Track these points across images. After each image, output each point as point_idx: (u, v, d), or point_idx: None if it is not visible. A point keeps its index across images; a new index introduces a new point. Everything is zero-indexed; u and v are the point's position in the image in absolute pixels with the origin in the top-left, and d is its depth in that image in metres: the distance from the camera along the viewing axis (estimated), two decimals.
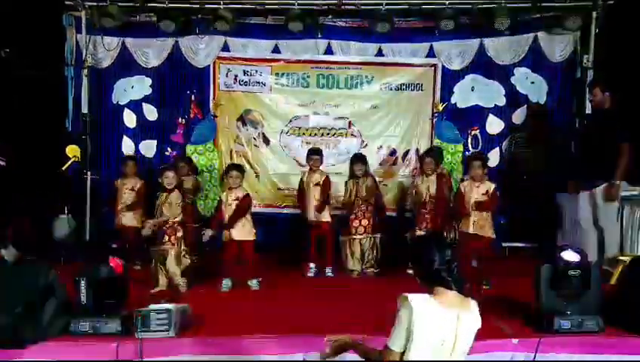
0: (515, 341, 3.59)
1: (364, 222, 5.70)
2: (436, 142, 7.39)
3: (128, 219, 6.18)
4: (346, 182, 6.01)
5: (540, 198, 6.69)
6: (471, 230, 5.14)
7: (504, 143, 7.31)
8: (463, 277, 2.31)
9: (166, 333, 3.54)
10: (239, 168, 5.46)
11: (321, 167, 6.02)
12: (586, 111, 6.64)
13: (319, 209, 5.74)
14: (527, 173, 6.99)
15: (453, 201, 5.56)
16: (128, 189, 6.24)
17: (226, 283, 5.17)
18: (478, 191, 5.20)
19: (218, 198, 5.43)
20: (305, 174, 6.10)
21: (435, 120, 7.43)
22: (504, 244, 6.67)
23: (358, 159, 5.90)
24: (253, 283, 5.16)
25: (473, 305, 2.29)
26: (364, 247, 5.70)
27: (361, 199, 5.72)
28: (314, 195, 5.83)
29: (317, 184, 5.84)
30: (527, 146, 7.15)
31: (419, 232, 5.50)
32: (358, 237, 5.70)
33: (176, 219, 5.04)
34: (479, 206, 5.13)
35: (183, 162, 6.48)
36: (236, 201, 5.20)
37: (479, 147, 7.33)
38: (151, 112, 7.47)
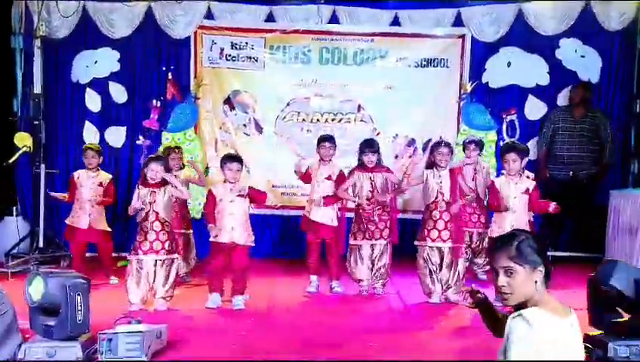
0: None
1: (381, 224, 5.68)
2: (464, 129, 7.38)
3: (97, 222, 6.15)
4: (353, 173, 5.77)
5: (592, 198, 6.70)
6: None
7: (543, 133, 7.23)
8: None
9: (136, 359, 3.55)
10: (239, 159, 5.43)
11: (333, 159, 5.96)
12: None
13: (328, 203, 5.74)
14: (574, 170, 6.96)
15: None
16: (96, 185, 6.20)
17: (214, 299, 5.17)
18: (516, 188, 5.19)
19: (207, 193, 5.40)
20: (313, 165, 6.02)
21: (462, 103, 7.43)
22: (548, 253, 6.64)
23: (369, 145, 5.83)
24: (239, 301, 5.15)
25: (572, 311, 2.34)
26: (374, 254, 5.69)
27: (375, 196, 5.67)
28: (323, 191, 5.77)
29: (328, 178, 5.80)
30: (569, 137, 7.06)
31: (430, 243, 5.42)
32: (371, 242, 5.67)
33: (165, 222, 5.08)
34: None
35: (176, 152, 6.42)
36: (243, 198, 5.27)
37: (516, 135, 7.32)
38: (119, 93, 7.48)
